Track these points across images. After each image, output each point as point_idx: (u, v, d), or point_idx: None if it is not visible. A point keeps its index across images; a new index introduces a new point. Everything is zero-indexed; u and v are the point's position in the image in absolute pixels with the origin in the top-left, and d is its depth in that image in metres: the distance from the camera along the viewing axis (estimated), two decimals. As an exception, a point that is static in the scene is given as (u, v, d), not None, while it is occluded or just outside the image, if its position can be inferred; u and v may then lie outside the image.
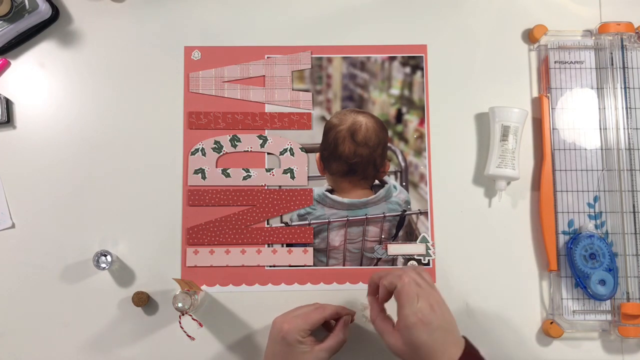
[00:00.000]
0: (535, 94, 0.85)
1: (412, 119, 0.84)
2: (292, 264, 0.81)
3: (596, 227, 0.80)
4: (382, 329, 0.67)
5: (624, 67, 0.82)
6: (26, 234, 0.81)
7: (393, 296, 0.67)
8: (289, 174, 0.83)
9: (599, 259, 0.77)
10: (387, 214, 0.82)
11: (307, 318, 0.70)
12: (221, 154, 0.83)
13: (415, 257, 0.81)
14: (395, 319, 0.68)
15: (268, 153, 0.83)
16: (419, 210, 0.82)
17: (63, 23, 0.85)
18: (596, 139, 0.82)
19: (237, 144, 0.83)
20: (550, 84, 0.83)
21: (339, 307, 0.75)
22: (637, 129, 0.82)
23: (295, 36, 0.85)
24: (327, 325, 0.76)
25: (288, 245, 0.81)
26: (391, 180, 0.83)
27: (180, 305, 0.72)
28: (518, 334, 0.80)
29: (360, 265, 0.81)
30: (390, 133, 0.83)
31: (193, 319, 0.77)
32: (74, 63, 0.84)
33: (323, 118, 0.84)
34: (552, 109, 0.82)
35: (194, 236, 0.81)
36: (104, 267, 0.77)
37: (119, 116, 0.83)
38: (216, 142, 0.83)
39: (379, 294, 0.69)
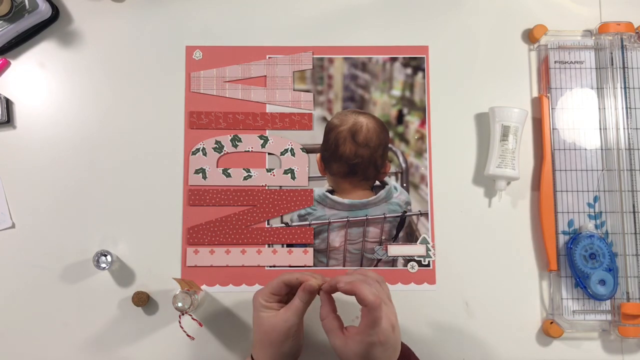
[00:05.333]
0: (535, 94, 0.85)
1: (413, 120, 0.84)
2: (292, 265, 0.81)
3: (596, 227, 0.80)
4: (331, 328, 0.67)
5: (624, 67, 0.82)
6: (26, 234, 0.81)
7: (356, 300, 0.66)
8: (289, 175, 0.83)
9: (599, 259, 0.78)
10: (387, 215, 0.82)
11: (268, 283, 0.71)
12: (222, 153, 0.83)
13: (416, 258, 0.81)
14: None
15: (269, 153, 0.83)
16: (419, 211, 0.82)
17: (63, 23, 0.85)
18: (596, 139, 0.82)
19: (238, 144, 0.83)
20: (550, 84, 0.83)
21: (307, 274, 0.72)
22: (637, 129, 0.82)
23: (297, 36, 0.85)
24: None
25: (288, 245, 0.81)
26: (392, 181, 0.83)
27: (180, 305, 0.72)
28: (518, 334, 0.80)
29: (361, 266, 0.81)
30: (391, 134, 0.83)
31: (193, 318, 0.77)
32: (74, 63, 0.84)
33: (324, 118, 0.84)
34: (552, 109, 0.82)
35: (194, 236, 0.81)
36: (104, 267, 0.77)
37: (119, 116, 0.83)
38: (217, 142, 0.83)
39: (344, 287, 0.67)
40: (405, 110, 0.84)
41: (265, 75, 0.84)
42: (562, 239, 0.80)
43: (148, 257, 0.81)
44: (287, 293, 0.72)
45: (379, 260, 0.81)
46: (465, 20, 0.86)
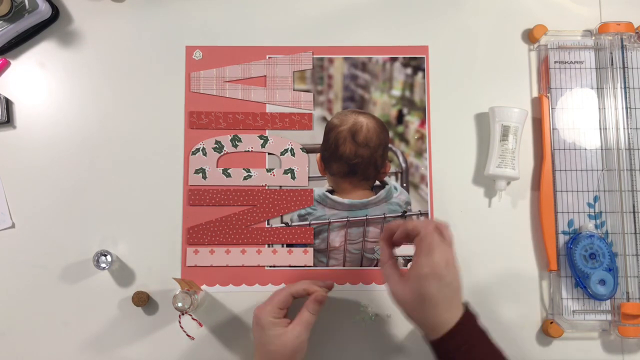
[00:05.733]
0: (535, 94, 0.85)
1: (413, 120, 0.84)
2: (292, 265, 0.81)
3: (596, 227, 0.80)
4: (389, 274, 0.66)
5: (624, 67, 0.82)
6: (26, 234, 0.81)
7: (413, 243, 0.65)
8: (289, 174, 0.83)
9: (599, 259, 0.78)
10: (387, 215, 0.82)
11: (273, 298, 0.71)
12: (222, 153, 0.83)
13: (416, 257, 0.81)
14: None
15: (269, 153, 0.83)
16: (419, 211, 0.82)
17: (63, 23, 0.85)
18: (596, 139, 0.82)
19: (237, 144, 0.83)
20: (550, 84, 0.83)
21: (310, 283, 0.72)
22: (637, 129, 0.82)
23: (297, 36, 0.85)
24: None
25: (288, 245, 0.81)
26: (392, 181, 0.83)
27: (180, 305, 0.72)
28: (518, 334, 0.80)
29: (361, 266, 0.81)
30: (391, 134, 0.83)
31: (193, 318, 0.77)
32: (74, 63, 0.84)
33: (324, 118, 0.84)
34: (552, 109, 0.82)
35: (194, 236, 0.81)
36: (104, 267, 0.77)
37: (119, 116, 0.83)
38: (217, 142, 0.83)
39: (397, 234, 0.67)
40: (405, 110, 0.84)
41: (265, 75, 0.84)
42: (562, 239, 0.80)
43: (148, 257, 0.81)
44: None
45: (378, 260, 0.81)
46: (465, 20, 0.86)
